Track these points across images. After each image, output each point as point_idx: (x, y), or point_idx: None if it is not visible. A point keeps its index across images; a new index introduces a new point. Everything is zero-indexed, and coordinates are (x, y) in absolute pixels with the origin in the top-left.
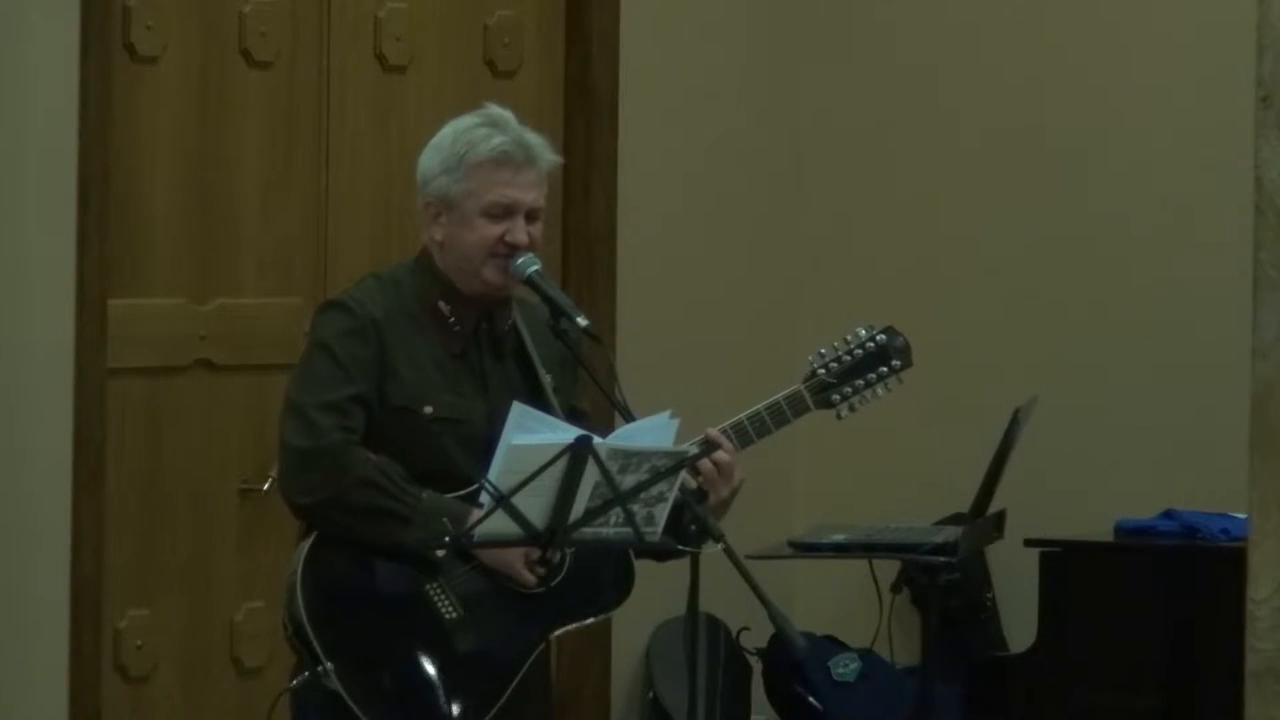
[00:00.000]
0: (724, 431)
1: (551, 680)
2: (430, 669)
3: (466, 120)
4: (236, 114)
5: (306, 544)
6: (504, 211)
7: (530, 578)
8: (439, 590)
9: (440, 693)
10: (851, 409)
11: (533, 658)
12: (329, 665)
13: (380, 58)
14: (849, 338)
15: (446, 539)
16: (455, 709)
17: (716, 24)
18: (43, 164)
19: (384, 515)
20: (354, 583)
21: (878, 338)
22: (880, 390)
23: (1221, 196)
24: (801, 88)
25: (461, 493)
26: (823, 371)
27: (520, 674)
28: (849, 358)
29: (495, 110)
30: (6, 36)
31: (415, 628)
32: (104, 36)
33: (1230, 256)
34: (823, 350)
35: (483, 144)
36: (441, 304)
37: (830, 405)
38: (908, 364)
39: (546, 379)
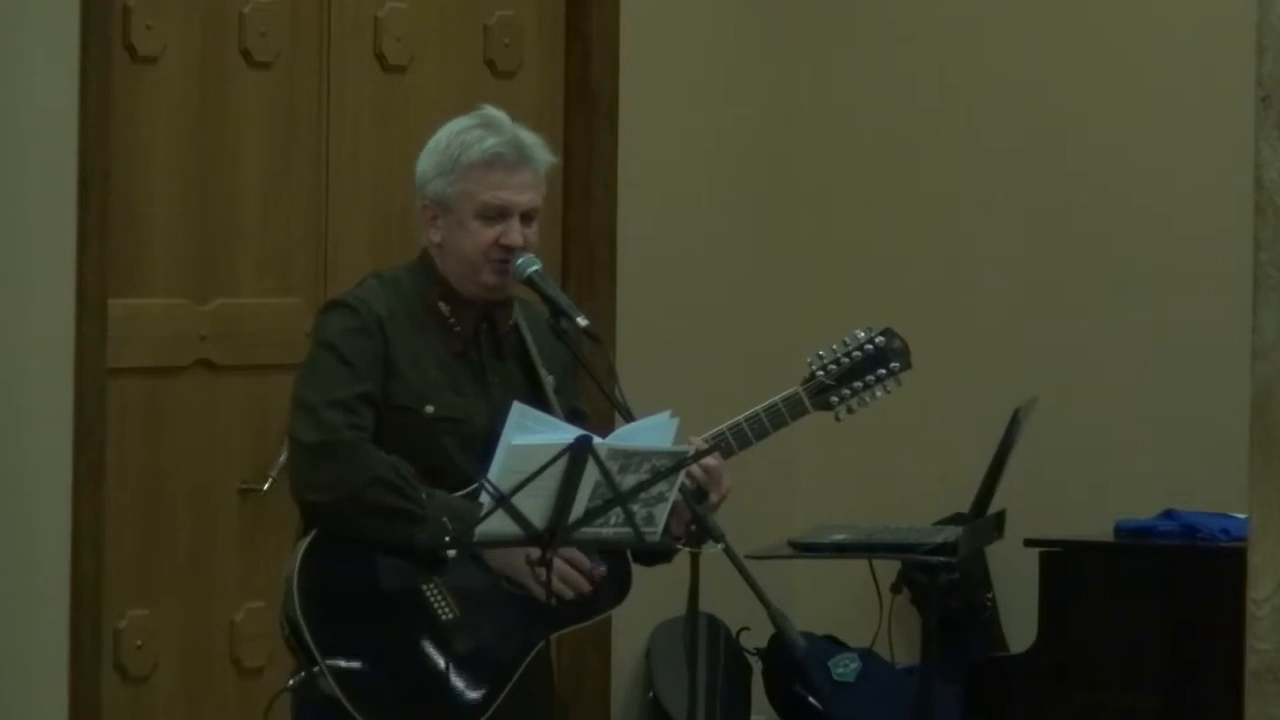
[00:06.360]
0: (720, 435)
1: (554, 681)
2: (426, 669)
3: (461, 122)
4: (236, 114)
5: (303, 544)
6: (497, 213)
7: (540, 592)
8: (435, 590)
9: (436, 693)
10: (850, 410)
11: (530, 658)
12: (324, 665)
13: (380, 58)
14: (847, 340)
15: (447, 539)
16: (452, 709)
17: (716, 24)
18: (43, 164)
19: (397, 514)
20: (350, 583)
21: (876, 340)
22: (879, 392)
23: (1221, 197)
24: (801, 88)
25: (461, 492)
26: (821, 374)
27: (517, 675)
28: (847, 360)
29: (491, 111)
30: (7, 36)
31: (411, 628)
32: (104, 36)
33: (1230, 257)
34: (821, 352)
35: (476, 145)
36: (441, 304)
37: (829, 407)
38: (906, 366)
39: (548, 380)
